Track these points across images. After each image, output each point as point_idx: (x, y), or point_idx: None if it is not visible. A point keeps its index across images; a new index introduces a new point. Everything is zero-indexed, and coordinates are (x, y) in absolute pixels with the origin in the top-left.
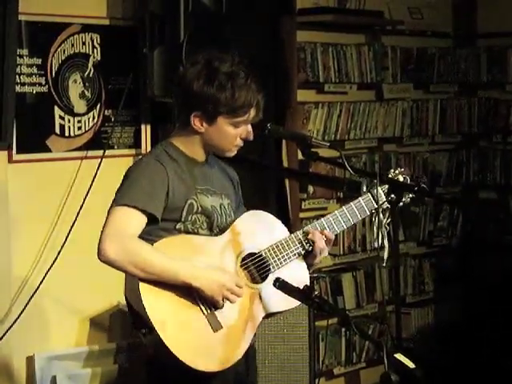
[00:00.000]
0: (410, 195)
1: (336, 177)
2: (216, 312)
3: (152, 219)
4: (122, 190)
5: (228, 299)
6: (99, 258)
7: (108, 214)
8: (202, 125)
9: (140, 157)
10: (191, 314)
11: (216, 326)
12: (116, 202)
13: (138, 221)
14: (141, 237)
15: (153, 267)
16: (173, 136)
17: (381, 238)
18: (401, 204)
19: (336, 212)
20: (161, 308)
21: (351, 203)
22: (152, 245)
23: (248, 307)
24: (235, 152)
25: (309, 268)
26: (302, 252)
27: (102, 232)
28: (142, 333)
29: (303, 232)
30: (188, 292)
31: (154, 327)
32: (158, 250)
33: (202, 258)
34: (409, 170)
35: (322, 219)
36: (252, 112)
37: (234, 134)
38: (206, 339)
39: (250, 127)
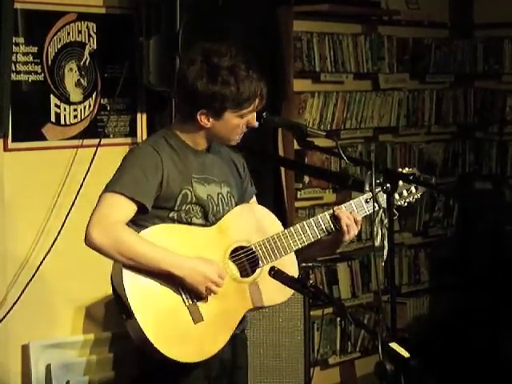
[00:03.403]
0: (419, 194)
1: (341, 172)
2: (198, 303)
3: (143, 207)
4: (114, 177)
5: (211, 290)
6: (85, 243)
7: (98, 200)
8: (208, 120)
9: (137, 144)
10: (172, 303)
11: (197, 318)
12: (106, 189)
13: (126, 208)
14: (136, 223)
15: (136, 254)
16: (175, 125)
17: (380, 236)
18: (405, 204)
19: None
20: (141, 295)
21: (351, 201)
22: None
23: (232, 300)
24: (239, 139)
25: (335, 248)
26: (300, 245)
27: (89, 218)
28: (123, 318)
29: (329, 214)
30: (171, 281)
31: (134, 313)
32: (144, 238)
33: (189, 249)
34: (417, 170)
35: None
36: (256, 101)
37: (241, 124)
38: (185, 330)
39: (254, 114)
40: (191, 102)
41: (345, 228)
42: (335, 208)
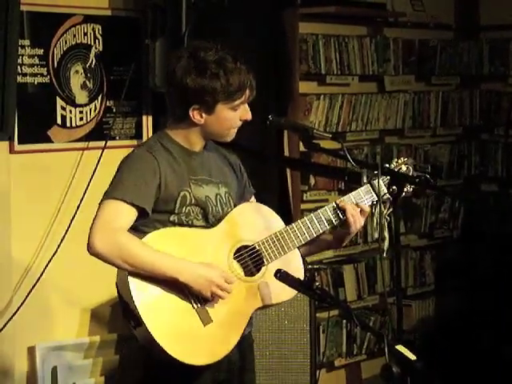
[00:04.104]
0: (412, 186)
1: (337, 167)
2: (206, 305)
3: (144, 212)
4: (112, 184)
5: (217, 295)
6: (88, 251)
7: (98, 208)
8: (201, 116)
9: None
10: (181, 307)
11: (206, 320)
12: (106, 196)
13: (127, 214)
14: (137, 229)
15: (140, 261)
16: (169, 127)
17: (380, 226)
18: (402, 195)
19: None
20: (149, 301)
21: (350, 194)
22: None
23: (240, 300)
24: (234, 135)
25: (342, 241)
26: (303, 241)
27: (91, 226)
28: (131, 325)
29: (332, 206)
30: (178, 286)
31: (143, 320)
32: (147, 244)
33: (193, 251)
34: (412, 160)
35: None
36: (247, 92)
37: (233, 117)
38: (195, 333)
39: (247, 106)
40: (182, 100)
41: (351, 219)
42: (337, 201)
